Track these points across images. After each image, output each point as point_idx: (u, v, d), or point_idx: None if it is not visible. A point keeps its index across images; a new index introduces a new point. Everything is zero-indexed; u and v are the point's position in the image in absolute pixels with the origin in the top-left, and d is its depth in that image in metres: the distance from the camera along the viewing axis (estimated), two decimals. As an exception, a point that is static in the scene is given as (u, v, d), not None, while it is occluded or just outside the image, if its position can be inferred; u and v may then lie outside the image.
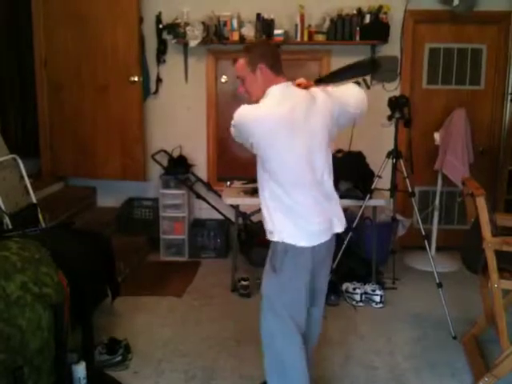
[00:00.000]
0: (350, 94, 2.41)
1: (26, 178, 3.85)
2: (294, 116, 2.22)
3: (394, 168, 3.96)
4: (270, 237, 2.32)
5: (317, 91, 2.36)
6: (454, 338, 3.46)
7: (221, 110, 5.13)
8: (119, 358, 3.09)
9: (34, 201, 3.83)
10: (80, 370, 2.71)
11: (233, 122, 2.27)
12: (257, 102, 2.29)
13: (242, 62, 2.32)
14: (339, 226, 2.41)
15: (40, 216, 3.79)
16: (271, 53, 2.35)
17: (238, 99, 5.16)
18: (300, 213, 2.26)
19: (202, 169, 5.20)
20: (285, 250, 2.27)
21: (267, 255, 2.38)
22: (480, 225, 2.76)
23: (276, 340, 2.37)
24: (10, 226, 3.38)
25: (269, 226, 2.31)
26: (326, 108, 2.32)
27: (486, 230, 2.72)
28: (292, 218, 2.26)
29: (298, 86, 2.36)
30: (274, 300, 2.35)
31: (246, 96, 2.37)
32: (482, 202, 2.72)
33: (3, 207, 3.44)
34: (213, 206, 5.00)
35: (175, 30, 4.84)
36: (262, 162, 2.28)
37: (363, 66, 2.51)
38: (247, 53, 2.33)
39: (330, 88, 2.41)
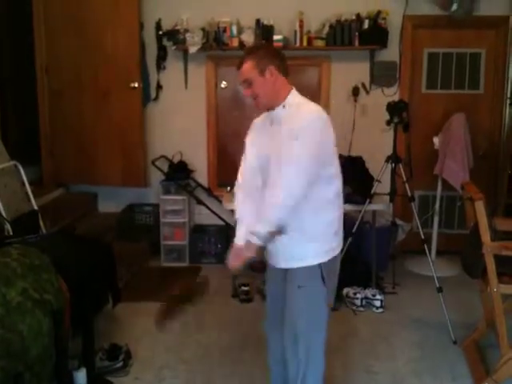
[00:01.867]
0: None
1: (26, 184, 3.86)
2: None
3: (394, 172, 3.97)
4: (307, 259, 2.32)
5: None
6: (455, 342, 3.46)
7: (221, 115, 5.15)
8: (120, 364, 3.10)
9: (35, 207, 3.84)
10: (81, 377, 2.72)
11: (313, 120, 2.18)
12: (267, 104, 2.27)
13: (248, 64, 2.24)
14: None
15: (41, 222, 3.80)
16: (278, 54, 2.31)
17: (238, 105, 5.23)
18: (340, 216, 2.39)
19: (202, 174, 5.21)
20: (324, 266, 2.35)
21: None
22: (479, 229, 2.77)
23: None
24: (11, 233, 3.40)
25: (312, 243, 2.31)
26: None
27: (485, 234, 2.73)
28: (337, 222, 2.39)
29: None
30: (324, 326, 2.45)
31: (253, 100, 2.31)
32: (480, 207, 2.73)
33: (4, 214, 3.45)
34: (213, 212, 5.01)
35: (175, 36, 4.87)
36: (322, 162, 2.20)
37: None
38: (253, 55, 2.26)
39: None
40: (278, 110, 2.27)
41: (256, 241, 2.16)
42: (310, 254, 2.28)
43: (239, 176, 2.45)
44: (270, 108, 2.29)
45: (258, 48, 2.42)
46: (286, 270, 2.36)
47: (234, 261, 2.30)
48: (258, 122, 2.44)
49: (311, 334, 2.37)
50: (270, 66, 2.23)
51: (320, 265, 2.28)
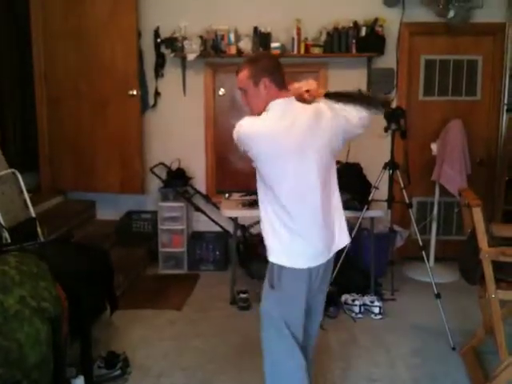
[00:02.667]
0: (356, 114, 2.31)
1: (25, 192, 3.86)
2: (293, 133, 2.18)
3: (391, 179, 3.97)
4: (267, 254, 2.31)
5: (323, 108, 2.28)
6: (453, 348, 3.46)
7: (219, 122, 5.16)
8: (118, 372, 3.08)
9: (33, 215, 3.84)
10: (79, 385, 2.70)
11: (234, 132, 2.25)
12: (257, 115, 2.27)
13: (244, 74, 2.26)
14: (342, 242, 2.43)
15: (39, 230, 3.80)
16: (275, 67, 2.30)
17: (236, 111, 5.25)
18: (299, 234, 2.23)
19: (200, 181, 5.22)
20: (280, 268, 2.27)
21: (266, 268, 2.38)
22: (477, 235, 2.78)
23: (277, 355, 2.35)
24: (9, 240, 3.39)
25: (268, 242, 2.30)
26: (331, 127, 2.26)
27: (483, 240, 2.74)
28: (291, 238, 2.24)
29: (307, 92, 2.30)
30: (274, 315, 2.33)
31: (247, 108, 2.35)
32: (478, 213, 2.73)
33: (2, 221, 3.45)
34: (211, 219, 5.02)
35: (173, 44, 4.89)
36: (261, 175, 2.26)
37: (375, 104, 2.44)
38: (250, 65, 2.27)
39: (338, 106, 2.31)
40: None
41: None
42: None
43: None
44: None
45: (259, 59, 2.37)
46: (327, 261, 2.37)
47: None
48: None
49: None
50: (265, 78, 2.24)
51: None
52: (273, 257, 2.28)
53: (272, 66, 2.30)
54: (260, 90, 2.25)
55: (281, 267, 2.26)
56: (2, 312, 2.04)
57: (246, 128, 2.22)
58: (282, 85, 2.29)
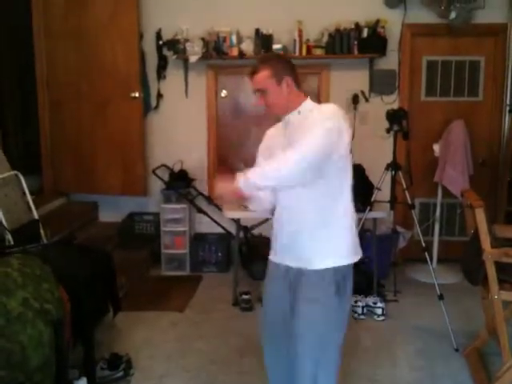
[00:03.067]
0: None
1: (27, 194, 3.87)
2: None
3: (394, 180, 3.97)
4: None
5: None
6: (456, 350, 3.45)
7: (221, 124, 5.16)
8: (121, 374, 3.09)
9: (36, 217, 3.84)
10: (81, 386, 2.71)
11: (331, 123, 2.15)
12: (279, 114, 2.26)
13: (264, 74, 2.17)
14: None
15: (41, 232, 3.81)
16: (293, 66, 2.28)
17: (238, 113, 5.25)
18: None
19: (202, 183, 5.22)
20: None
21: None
22: (479, 236, 2.77)
23: None
24: (12, 243, 3.40)
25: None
26: None
27: (486, 241, 2.73)
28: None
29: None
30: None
31: (267, 109, 2.26)
32: (480, 214, 2.73)
33: (5, 223, 3.46)
34: (214, 220, 5.02)
35: (175, 46, 4.90)
36: (342, 172, 2.28)
37: None
38: (269, 64, 2.20)
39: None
40: (292, 116, 2.24)
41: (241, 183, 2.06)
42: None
43: None
44: (281, 116, 2.28)
45: (273, 57, 2.39)
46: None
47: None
48: (272, 131, 2.40)
49: None
50: (287, 76, 2.21)
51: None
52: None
53: (291, 65, 2.28)
54: (283, 89, 2.20)
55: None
56: (4, 314, 2.04)
57: (337, 120, 2.17)
58: (300, 85, 2.28)
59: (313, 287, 2.18)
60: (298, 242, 2.21)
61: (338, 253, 2.23)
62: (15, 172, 3.87)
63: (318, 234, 2.19)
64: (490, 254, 2.72)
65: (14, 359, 2.01)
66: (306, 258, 2.19)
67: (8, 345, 2.00)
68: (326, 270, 2.18)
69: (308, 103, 2.25)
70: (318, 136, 2.07)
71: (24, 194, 3.89)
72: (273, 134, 2.39)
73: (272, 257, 2.34)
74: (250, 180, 2.04)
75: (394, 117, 3.90)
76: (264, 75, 2.18)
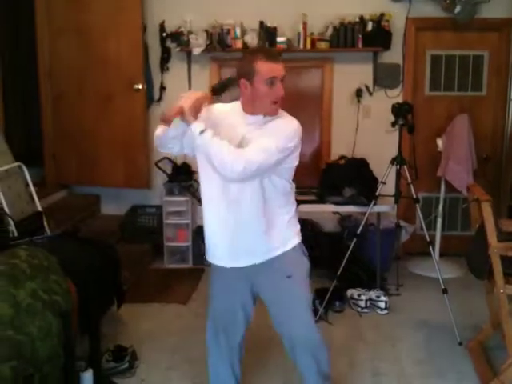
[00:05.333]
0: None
1: (31, 185, 3.86)
2: None
3: (398, 174, 3.96)
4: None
5: None
6: (460, 344, 3.45)
7: (224, 117, 5.14)
8: (126, 366, 3.09)
9: (40, 209, 3.84)
10: (87, 378, 2.70)
11: (295, 126, 2.25)
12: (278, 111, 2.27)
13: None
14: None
15: (45, 224, 3.80)
16: None
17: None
18: None
19: (205, 176, 5.19)
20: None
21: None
22: (485, 230, 2.78)
23: None
24: (16, 234, 3.39)
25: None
26: None
27: (492, 235, 2.74)
28: None
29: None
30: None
31: (278, 102, 2.23)
32: (487, 208, 2.73)
33: (9, 215, 3.45)
34: (216, 213, 5.00)
35: (179, 38, 4.88)
36: (288, 172, 2.33)
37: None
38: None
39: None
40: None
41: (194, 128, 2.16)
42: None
43: None
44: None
45: None
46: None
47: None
48: (225, 109, 2.37)
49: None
50: None
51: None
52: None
53: None
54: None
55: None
56: (14, 305, 2.04)
57: (296, 123, 2.28)
58: None
59: None
60: None
61: None
62: (18, 163, 3.86)
63: None
64: (497, 248, 2.73)
65: (24, 350, 2.01)
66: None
67: (17, 336, 2.00)
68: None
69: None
70: (273, 150, 2.14)
71: (27, 185, 3.88)
72: (225, 112, 2.34)
73: None
74: (204, 135, 2.12)
75: (399, 111, 3.89)
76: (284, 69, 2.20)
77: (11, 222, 3.42)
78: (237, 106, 2.32)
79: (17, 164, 3.84)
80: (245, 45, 4.76)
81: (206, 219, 2.39)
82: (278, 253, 2.34)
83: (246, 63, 2.19)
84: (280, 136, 2.18)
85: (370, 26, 4.76)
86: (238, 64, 2.26)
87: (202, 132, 2.12)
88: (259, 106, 2.22)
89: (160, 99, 5.11)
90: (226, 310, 2.52)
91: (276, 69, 2.14)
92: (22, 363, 2.00)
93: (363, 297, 4.00)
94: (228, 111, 2.34)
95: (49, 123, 5.07)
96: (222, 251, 2.37)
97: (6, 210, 3.47)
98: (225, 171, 2.13)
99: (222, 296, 2.52)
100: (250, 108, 2.25)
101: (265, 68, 2.13)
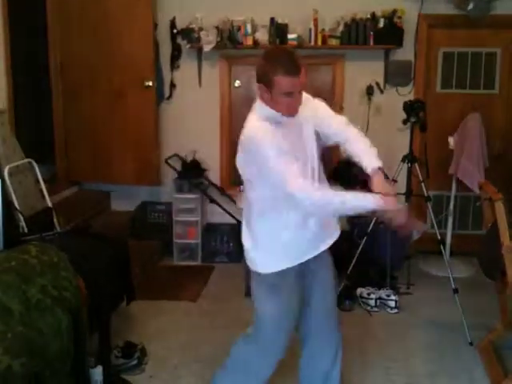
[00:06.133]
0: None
1: (41, 181, 3.88)
2: None
3: (410, 172, 3.94)
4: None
5: None
6: (471, 343, 3.43)
7: (234, 114, 5.14)
8: (135, 362, 3.10)
9: (50, 205, 3.85)
10: (97, 374, 2.72)
11: None
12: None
13: (304, 70, 2.11)
14: None
15: (55, 220, 3.81)
16: None
17: (251, 104, 5.18)
18: None
19: (215, 173, 5.20)
20: None
21: None
22: (498, 229, 2.75)
23: None
24: (26, 230, 3.41)
25: None
26: None
27: (505, 234, 2.71)
28: None
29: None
30: None
31: (294, 107, 2.19)
32: (500, 207, 2.71)
33: (20, 210, 3.46)
34: (226, 210, 4.99)
35: (189, 35, 4.87)
36: None
37: None
38: (303, 64, 2.13)
39: None
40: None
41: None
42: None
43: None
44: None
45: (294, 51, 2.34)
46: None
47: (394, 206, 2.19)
48: (271, 130, 2.19)
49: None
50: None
51: None
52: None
53: None
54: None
55: None
56: (24, 301, 2.04)
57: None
58: None
59: None
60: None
61: None
62: (29, 160, 3.87)
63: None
64: (509, 248, 2.70)
65: (34, 347, 2.01)
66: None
67: (28, 332, 2.00)
68: None
69: None
70: None
71: (37, 181, 3.89)
72: (275, 132, 2.18)
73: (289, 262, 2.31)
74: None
75: (411, 108, 3.87)
76: (304, 74, 2.12)
77: (21, 218, 3.43)
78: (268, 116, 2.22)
79: (27, 160, 3.86)
80: (255, 41, 4.75)
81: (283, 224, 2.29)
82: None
83: (266, 73, 2.14)
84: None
85: (381, 23, 4.72)
86: (259, 68, 2.20)
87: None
88: (278, 109, 2.19)
89: (170, 96, 5.11)
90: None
91: (294, 83, 2.09)
92: (33, 359, 2.00)
93: (373, 296, 3.98)
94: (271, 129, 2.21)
95: (60, 119, 5.07)
96: (306, 246, 2.35)
97: (17, 205, 3.48)
98: None
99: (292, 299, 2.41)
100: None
101: (284, 82, 2.09)
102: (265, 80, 2.15)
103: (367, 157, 2.26)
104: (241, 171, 2.27)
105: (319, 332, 2.49)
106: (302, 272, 2.37)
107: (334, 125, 2.35)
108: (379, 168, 2.22)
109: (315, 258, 2.36)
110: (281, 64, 2.10)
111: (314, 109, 2.31)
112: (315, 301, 2.44)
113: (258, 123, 2.18)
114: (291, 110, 2.18)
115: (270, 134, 2.13)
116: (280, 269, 2.28)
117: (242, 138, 2.19)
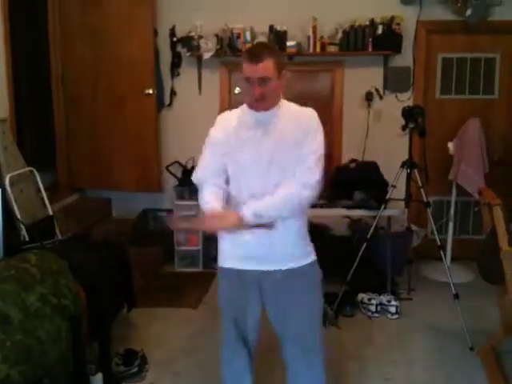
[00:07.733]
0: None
1: (42, 190, 3.89)
2: None
3: (409, 178, 3.94)
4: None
5: None
6: (471, 349, 3.43)
7: (234, 121, 5.14)
8: (136, 370, 3.10)
9: (51, 213, 3.87)
10: (97, 382, 2.72)
11: (316, 117, 2.28)
12: (269, 107, 2.19)
13: (270, 62, 2.08)
14: None
15: (57, 228, 3.83)
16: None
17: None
18: None
19: (215, 180, 5.20)
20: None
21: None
22: (496, 235, 2.75)
23: None
24: (27, 238, 3.42)
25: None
26: None
27: (504, 239, 2.71)
28: None
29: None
30: None
31: (259, 100, 2.14)
32: (498, 212, 2.72)
33: (21, 219, 3.48)
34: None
35: (189, 42, 4.90)
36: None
37: None
38: (274, 53, 2.13)
39: None
40: (272, 112, 2.22)
41: (251, 219, 2.12)
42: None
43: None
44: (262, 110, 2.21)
45: (274, 48, 2.38)
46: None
47: (216, 223, 2.24)
48: (233, 120, 2.33)
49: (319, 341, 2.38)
50: (285, 70, 2.19)
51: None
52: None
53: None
54: (281, 82, 2.18)
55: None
56: (23, 309, 2.06)
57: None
58: None
59: None
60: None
61: None
62: (30, 168, 3.89)
63: None
64: (508, 253, 2.70)
65: (33, 354, 2.02)
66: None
67: (27, 340, 2.02)
68: None
69: (285, 101, 2.28)
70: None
71: (39, 189, 3.91)
72: (235, 123, 2.31)
73: None
74: (263, 216, 2.14)
75: (409, 114, 3.88)
76: (269, 64, 2.09)
77: (22, 227, 3.45)
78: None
79: (28, 169, 3.88)
80: (255, 49, 4.76)
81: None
82: None
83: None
84: None
85: (380, 30, 4.74)
86: None
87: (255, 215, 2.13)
88: (245, 100, 2.25)
89: (170, 104, 5.14)
90: None
91: (252, 70, 2.10)
92: (32, 367, 2.01)
93: (374, 301, 3.98)
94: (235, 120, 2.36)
95: (61, 127, 5.10)
96: (243, 254, 2.38)
97: (18, 214, 3.50)
98: (311, 199, 2.21)
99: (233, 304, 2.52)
100: None
101: (244, 68, 2.13)
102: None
103: (257, 202, 2.16)
104: None
105: (293, 364, 2.43)
106: (255, 285, 2.32)
107: (296, 173, 2.19)
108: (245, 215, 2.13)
109: (272, 279, 2.27)
110: (247, 52, 2.23)
111: (303, 135, 2.21)
112: (280, 328, 2.41)
113: (229, 112, 2.39)
114: (251, 101, 2.18)
115: (223, 122, 2.37)
116: (220, 265, 2.41)
117: None
